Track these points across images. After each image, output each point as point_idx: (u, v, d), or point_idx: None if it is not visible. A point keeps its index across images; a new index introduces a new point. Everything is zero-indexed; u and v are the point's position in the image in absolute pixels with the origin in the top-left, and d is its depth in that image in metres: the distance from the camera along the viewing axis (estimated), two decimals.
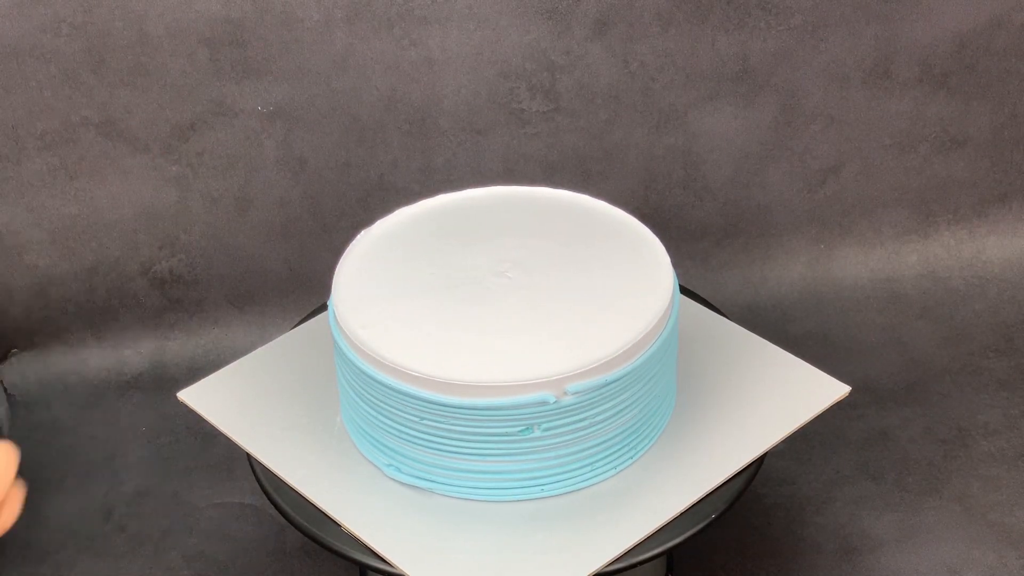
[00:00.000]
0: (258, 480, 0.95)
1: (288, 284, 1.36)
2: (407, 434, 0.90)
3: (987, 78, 1.34)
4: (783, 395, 0.97)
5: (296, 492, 0.92)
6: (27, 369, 1.35)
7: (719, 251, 1.38)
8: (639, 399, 0.90)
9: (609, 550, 0.87)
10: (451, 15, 1.26)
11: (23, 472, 1.24)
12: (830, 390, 0.96)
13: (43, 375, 1.35)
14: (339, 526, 0.89)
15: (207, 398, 1.02)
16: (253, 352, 1.04)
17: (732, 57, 1.30)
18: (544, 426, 0.87)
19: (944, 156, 1.37)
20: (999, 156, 1.38)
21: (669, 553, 0.89)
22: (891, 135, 1.36)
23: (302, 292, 1.36)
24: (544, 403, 0.85)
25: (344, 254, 0.97)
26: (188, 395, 1.02)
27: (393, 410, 0.89)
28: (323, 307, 1.06)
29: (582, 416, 0.87)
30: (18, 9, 1.22)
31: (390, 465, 0.92)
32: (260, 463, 0.96)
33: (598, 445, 0.90)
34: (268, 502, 0.94)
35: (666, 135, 1.33)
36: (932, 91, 1.34)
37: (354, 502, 0.91)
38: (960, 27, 1.31)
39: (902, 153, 1.37)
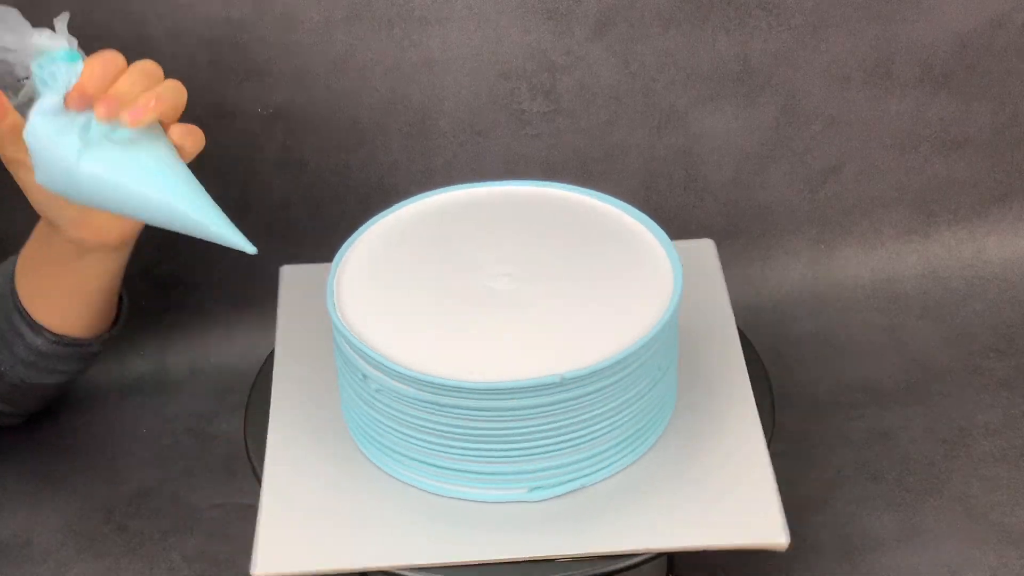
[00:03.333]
0: (259, 480, 0.95)
1: None
2: (404, 432, 0.90)
3: (988, 78, 1.34)
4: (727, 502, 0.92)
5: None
6: None
7: (720, 251, 1.38)
8: (637, 398, 0.90)
9: (608, 551, 0.87)
10: (451, 15, 1.26)
11: (25, 473, 1.25)
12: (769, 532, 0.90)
13: None
14: None
15: (298, 285, 1.11)
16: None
17: (733, 57, 1.30)
18: (543, 423, 0.87)
19: (945, 156, 1.37)
20: (1000, 156, 1.38)
21: (670, 553, 0.89)
22: (892, 135, 1.36)
23: None
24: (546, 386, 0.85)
25: (342, 249, 0.98)
26: (288, 270, 1.13)
27: (391, 407, 0.89)
28: None
29: (580, 414, 0.87)
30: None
31: (388, 464, 0.93)
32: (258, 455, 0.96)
33: (597, 444, 0.90)
34: None
35: (667, 135, 1.33)
36: (933, 91, 1.34)
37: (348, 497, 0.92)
38: (961, 27, 1.31)
39: (903, 153, 1.37)
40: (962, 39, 1.31)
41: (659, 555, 0.87)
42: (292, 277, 1.13)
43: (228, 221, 0.89)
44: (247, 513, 1.17)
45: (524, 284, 0.93)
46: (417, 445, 0.89)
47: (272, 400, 1.00)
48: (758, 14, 1.28)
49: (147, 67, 0.91)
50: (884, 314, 1.36)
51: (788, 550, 0.89)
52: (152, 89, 0.90)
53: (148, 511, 1.18)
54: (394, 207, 1.03)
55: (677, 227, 1.36)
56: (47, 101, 0.87)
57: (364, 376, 0.89)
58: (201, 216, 0.90)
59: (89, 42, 1.24)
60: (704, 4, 1.27)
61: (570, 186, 1.04)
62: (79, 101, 0.87)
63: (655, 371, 0.92)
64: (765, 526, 0.89)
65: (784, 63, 1.31)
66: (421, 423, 0.88)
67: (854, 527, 1.13)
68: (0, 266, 1.13)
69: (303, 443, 0.96)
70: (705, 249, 1.14)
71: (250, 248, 0.88)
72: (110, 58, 0.90)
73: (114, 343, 1.36)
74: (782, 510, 0.90)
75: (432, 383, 0.85)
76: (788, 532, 0.89)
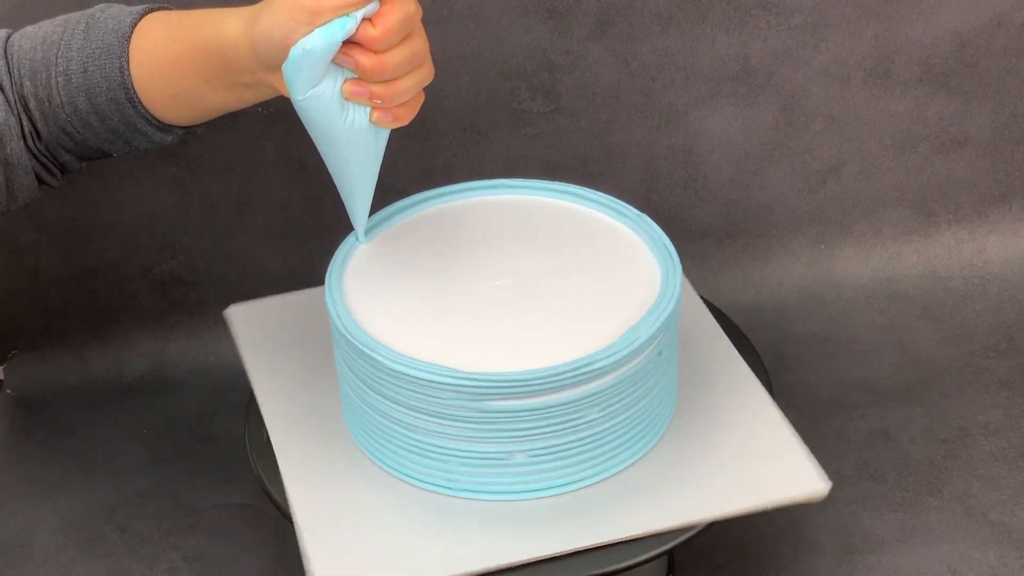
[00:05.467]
0: (258, 480, 0.95)
1: (288, 286, 1.36)
2: (404, 430, 0.90)
3: (987, 78, 1.34)
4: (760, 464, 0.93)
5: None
6: (28, 371, 1.35)
7: (719, 251, 1.38)
8: (636, 397, 0.90)
9: (608, 550, 0.87)
10: (451, 15, 1.26)
11: (25, 473, 1.25)
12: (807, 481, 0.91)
13: (44, 377, 1.35)
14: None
15: (248, 323, 1.09)
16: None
17: (732, 57, 1.30)
18: (543, 421, 0.87)
19: (944, 156, 1.37)
20: (999, 156, 1.38)
21: (670, 553, 0.89)
22: (891, 135, 1.36)
23: None
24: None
25: (343, 249, 0.99)
26: (234, 312, 1.11)
27: (391, 404, 0.89)
28: None
29: (579, 414, 0.87)
30: (17, 11, 1.22)
31: (389, 464, 0.93)
32: (260, 459, 0.96)
33: (596, 444, 0.90)
34: (268, 502, 0.94)
35: (666, 135, 1.33)
36: (932, 91, 1.34)
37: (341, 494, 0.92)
38: (960, 27, 1.31)
39: (902, 153, 1.37)
40: (962, 39, 1.31)
41: (697, 532, 0.89)
42: (243, 315, 1.11)
43: (368, 207, 0.97)
44: (247, 513, 1.17)
45: (525, 287, 0.94)
46: (449, 446, 0.90)
47: (271, 434, 0.98)
48: (758, 14, 1.28)
49: (419, 50, 0.88)
50: (884, 314, 1.36)
51: (816, 501, 0.90)
52: (415, 96, 0.88)
53: (148, 511, 1.18)
54: (388, 208, 1.04)
55: (677, 227, 1.36)
56: (321, 41, 0.82)
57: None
58: (350, 191, 0.95)
59: None
60: (704, 4, 1.27)
61: (566, 188, 1.04)
62: (347, 60, 0.84)
63: (669, 351, 0.93)
64: (800, 479, 0.91)
65: (784, 63, 1.31)
66: (456, 425, 0.88)
67: (854, 527, 1.13)
68: (79, 74, 0.95)
69: (313, 457, 0.95)
70: None
71: (361, 238, 0.99)
72: (392, 37, 0.84)
73: (114, 343, 1.36)
74: (813, 459, 0.92)
75: (471, 383, 0.86)
76: (826, 478, 0.90)
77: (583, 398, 0.87)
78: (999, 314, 1.35)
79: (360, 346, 0.89)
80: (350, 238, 1.01)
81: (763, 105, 1.33)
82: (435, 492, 0.91)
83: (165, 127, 0.94)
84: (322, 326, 0.99)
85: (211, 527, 1.16)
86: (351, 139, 0.88)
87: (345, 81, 0.85)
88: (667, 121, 1.33)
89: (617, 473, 0.92)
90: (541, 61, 1.29)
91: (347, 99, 0.86)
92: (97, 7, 0.94)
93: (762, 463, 0.92)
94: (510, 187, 1.05)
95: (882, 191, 1.38)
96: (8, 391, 1.34)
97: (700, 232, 1.38)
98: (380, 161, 0.92)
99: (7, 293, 1.34)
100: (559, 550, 0.86)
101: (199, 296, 1.37)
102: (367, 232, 1.01)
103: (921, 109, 1.34)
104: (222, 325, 1.36)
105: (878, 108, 1.34)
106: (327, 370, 1.00)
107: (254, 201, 1.33)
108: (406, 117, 0.88)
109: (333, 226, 1.33)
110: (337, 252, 0.99)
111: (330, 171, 0.93)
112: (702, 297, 1.09)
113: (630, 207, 1.02)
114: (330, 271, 0.97)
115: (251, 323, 1.09)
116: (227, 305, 1.36)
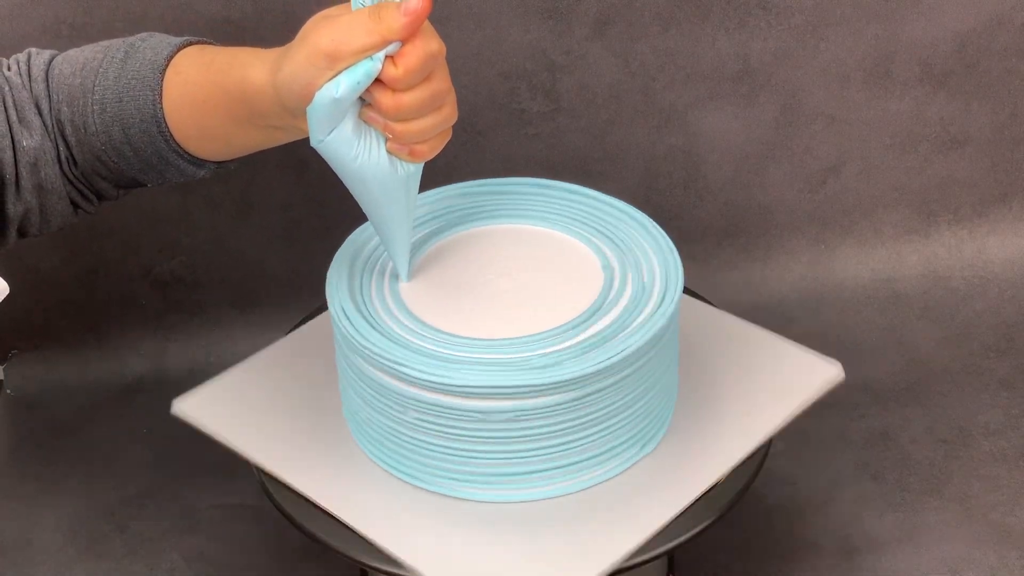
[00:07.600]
0: (259, 480, 0.95)
1: (289, 286, 1.36)
2: (407, 433, 0.90)
3: (987, 78, 1.34)
4: (778, 382, 0.98)
5: (300, 494, 0.92)
6: (28, 371, 1.35)
7: (720, 251, 1.39)
8: (636, 394, 0.90)
9: (612, 552, 0.87)
10: (451, 15, 1.26)
11: (25, 473, 1.25)
12: (823, 373, 0.98)
13: (44, 377, 1.35)
14: (349, 529, 0.89)
15: (205, 408, 1.00)
16: (249, 358, 1.04)
17: (732, 57, 1.30)
18: (544, 420, 0.87)
19: (945, 156, 1.37)
20: (1000, 156, 1.38)
21: (670, 553, 0.89)
22: (891, 135, 1.36)
23: (303, 294, 1.36)
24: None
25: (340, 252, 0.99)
26: (184, 405, 1.00)
27: (393, 407, 0.89)
28: (317, 312, 1.08)
29: (579, 413, 0.88)
30: (19, 10, 1.22)
31: (392, 466, 0.93)
32: (263, 468, 0.95)
33: (596, 443, 0.90)
34: (268, 502, 0.94)
35: (667, 135, 1.34)
36: (932, 91, 1.34)
37: (360, 504, 0.91)
38: (960, 27, 1.31)
39: (903, 153, 1.37)
40: (962, 39, 1.31)
41: (697, 533, 0.89)
42: (194, 404, 1.02)
43: (407, 246, 0.94)
44: (247, 513, 1.18)
45: (524, 297, 0.94)
46: (488, 455, 0.89)
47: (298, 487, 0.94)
48: (758, 14, 1.28)
49: (439, 91, 0.85)
50: (884, 314, 1.36)
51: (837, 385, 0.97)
52: (438, 135, 0.86)
53: (148, 511, 1.18)
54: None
55: (677, 227, 1.36)
56: (347, 89, 0.81)
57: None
58: (386, 231, 0.93)
59: (90, 42, 1.24)
60: (704, 4, 1.27)
61: (568, 188, 1.04)
62: (366, 94, 0.83)
63: (669, 344, 0.94)
64: (815, 373, 0.99)
65: (784, 63, 1.31)
66: (488, 435, 0.88)
67: (854, 527, 1.13)
68: (114, 103, 0.93)
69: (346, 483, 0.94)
70: None
71: (404, 279, 0.95)
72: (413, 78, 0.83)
73: (114, 343, 1.36)
74: (814, 353, 1.00)
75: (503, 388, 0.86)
76: (835, 362, 1.00)
77: (587, 393, 0.87)
78: (999, 314, 1.35)
79: (359, 342, 0.89)
80: (347, 244, 1.01)
81: (763, 105, 1.33)
82: (462, 499, 0.91)
83: (197, 161, 0.94)
84: (279, 386, 1.00)
85: (211, 527, 1.17)
86: (377, 176, 0.87)
87: (363, 106, 0.84)
88: (667, 121, 1.33)
89: (644, 458, 0.93)
90: (541, 61, 1.29)
91: (364, 121, 0.85)
92: (139, 36, 0.93)
93: (770, 379, 0.98)
94: (509, 187, 1.05)
95: (882, 191, 1.38)
96: (8, 391, 1.34)
97: (701, 232, 1.38)
98: (414, 199, 0.91)
99: (8, 293, 1.34)
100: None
101: (199, 297, 1.37)
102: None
103: (921, 109, 1.35)
104: (222, 325, 1.37)
105: (878, 108, 1.34)
106: (310, 413, 0.99)
107: (256, 202, 1.33)
108: (425, 155, 0.87)
109: (335, 226, 1.34)
110: (335, 261, 0.99)
111: (366, 214, 0.92)
112: (693, 291, 1.09)
113: (631, 207, 1.02)
114: (331, 275, 0.97)
115: (207, 407, 1.02)
116: (228, 306, 1.37)
